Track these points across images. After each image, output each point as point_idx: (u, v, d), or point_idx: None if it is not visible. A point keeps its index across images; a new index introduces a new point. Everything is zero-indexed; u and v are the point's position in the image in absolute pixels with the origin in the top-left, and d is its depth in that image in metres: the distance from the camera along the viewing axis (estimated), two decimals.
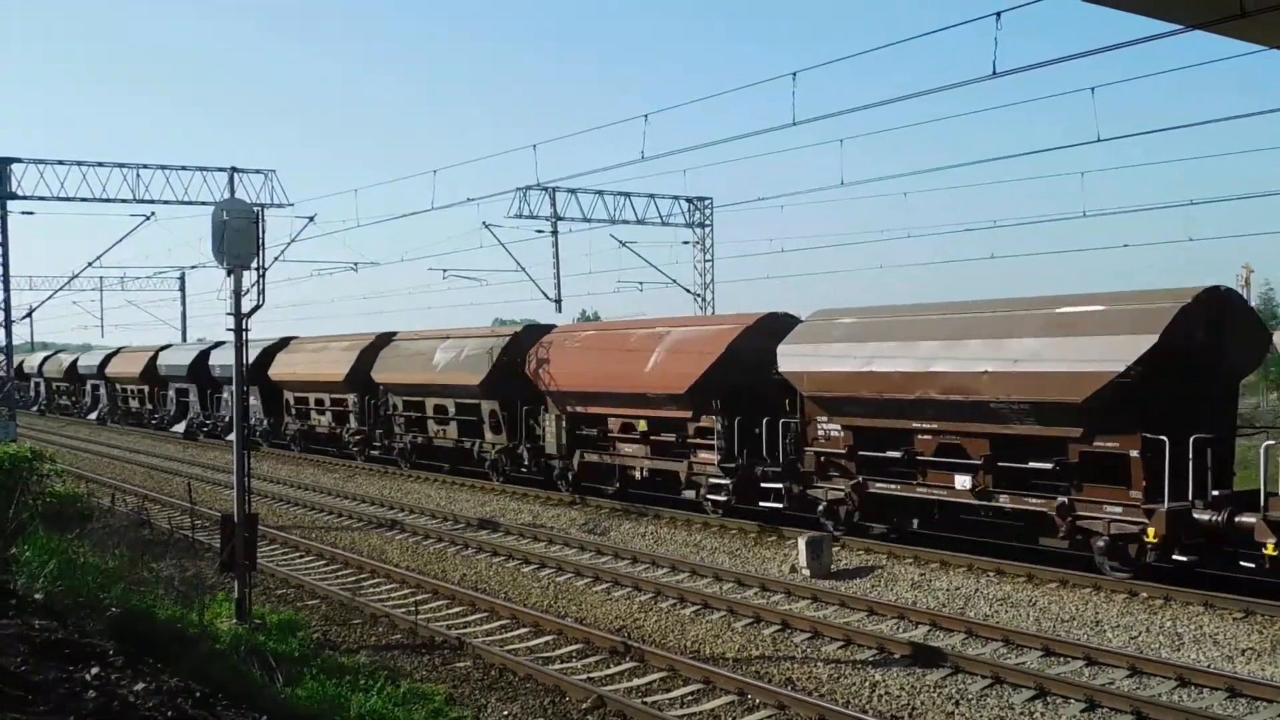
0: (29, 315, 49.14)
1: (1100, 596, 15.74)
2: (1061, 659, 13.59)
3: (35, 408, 74.20)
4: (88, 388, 65.13)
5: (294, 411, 40.61)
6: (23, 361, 76.49)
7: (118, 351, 60.59)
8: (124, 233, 38.35)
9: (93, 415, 62.49)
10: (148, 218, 37.85)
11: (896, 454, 19.02)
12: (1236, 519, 14.94)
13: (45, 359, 75.12)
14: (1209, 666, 13.01)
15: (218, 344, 46.94)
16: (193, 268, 66.68)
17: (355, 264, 43.12)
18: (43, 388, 75.42)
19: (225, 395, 45.45)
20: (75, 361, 67.04)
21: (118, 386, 58.96)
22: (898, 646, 14.15)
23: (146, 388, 54.66)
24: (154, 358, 52.93)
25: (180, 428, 48.97)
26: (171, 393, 51.45)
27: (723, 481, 22.39)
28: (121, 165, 37.09)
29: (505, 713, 12.55)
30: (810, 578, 18.23)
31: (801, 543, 18.71)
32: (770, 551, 20.15)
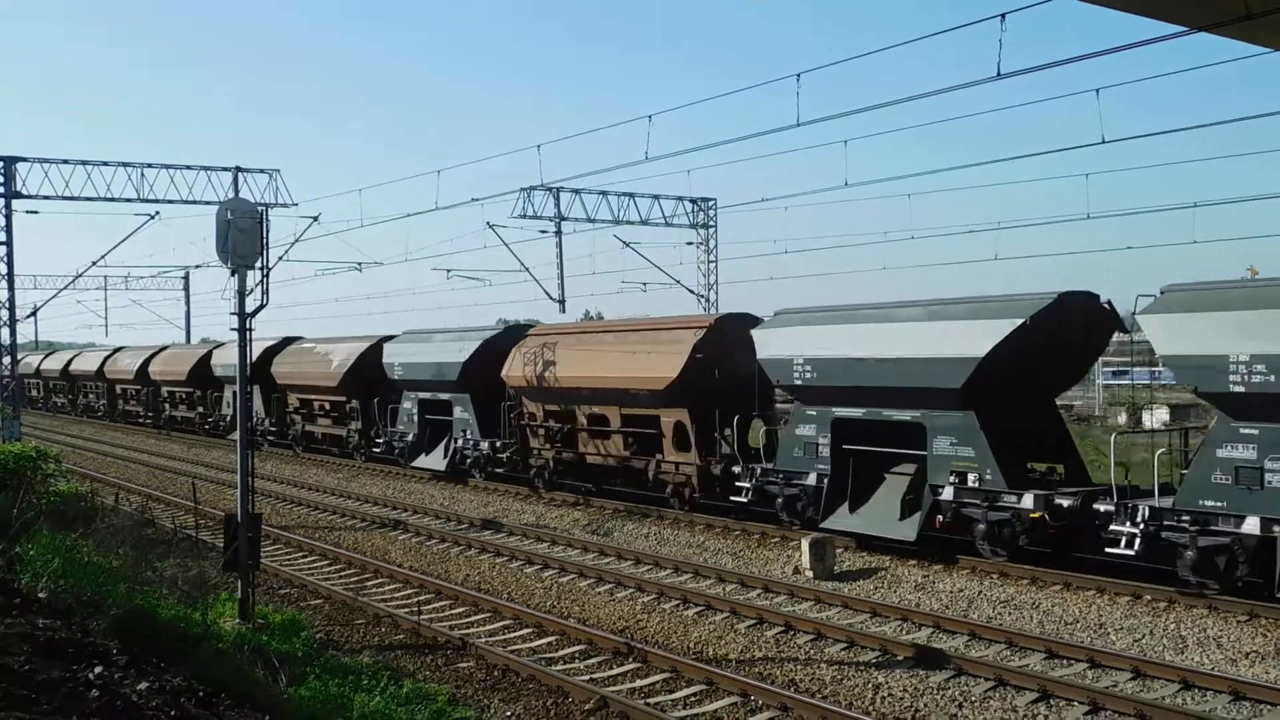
0: (33, 314, 49.17)
1: (1104, 599, 15.73)
2: (1065, 661, 13.57)
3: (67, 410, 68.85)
4: (114, 389, 60.21)
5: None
6: (42, 360, 74.24)
7: (161, 350, 54.91)
8: (128, 232, 38.48)
9: (89, 413, 59.98)
10: (152, 217, 37.84)
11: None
12: None
13: (74, 358, 69.07)
14: (1213, 669, 12.99)
15: (286, 340, 42.32)
16: (197, 267, 66.18)
17: (359, 264, 43.19)
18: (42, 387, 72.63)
19: (293, 400, 40.99)
20: (104, 361, 61.09)
21: (164, 390, 53.23)
22: (901, 648, 14.14)
23: (195, 390, 49.36)
24: (206, 358, 47.48)
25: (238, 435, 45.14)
26: (228, 395, 45.67)
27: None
28: (126, 164, 37.11)
29: (508, 713, 12.55)
30: (814, 579, 18.22)
31: (805, 544, 18.70)
32: (774, 553, 20.14)
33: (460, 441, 30.42)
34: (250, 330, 15.10)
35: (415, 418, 32.68)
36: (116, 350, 61.97)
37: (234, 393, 42.44)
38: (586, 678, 13.55)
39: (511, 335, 29.70)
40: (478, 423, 29.89)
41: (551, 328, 29.69)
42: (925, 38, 18.39)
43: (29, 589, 10.35)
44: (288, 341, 42.14)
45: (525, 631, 15.97)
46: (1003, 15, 13.30)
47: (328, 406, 38.77)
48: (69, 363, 68.39)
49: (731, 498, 22.16)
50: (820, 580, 18.14)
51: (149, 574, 15.62)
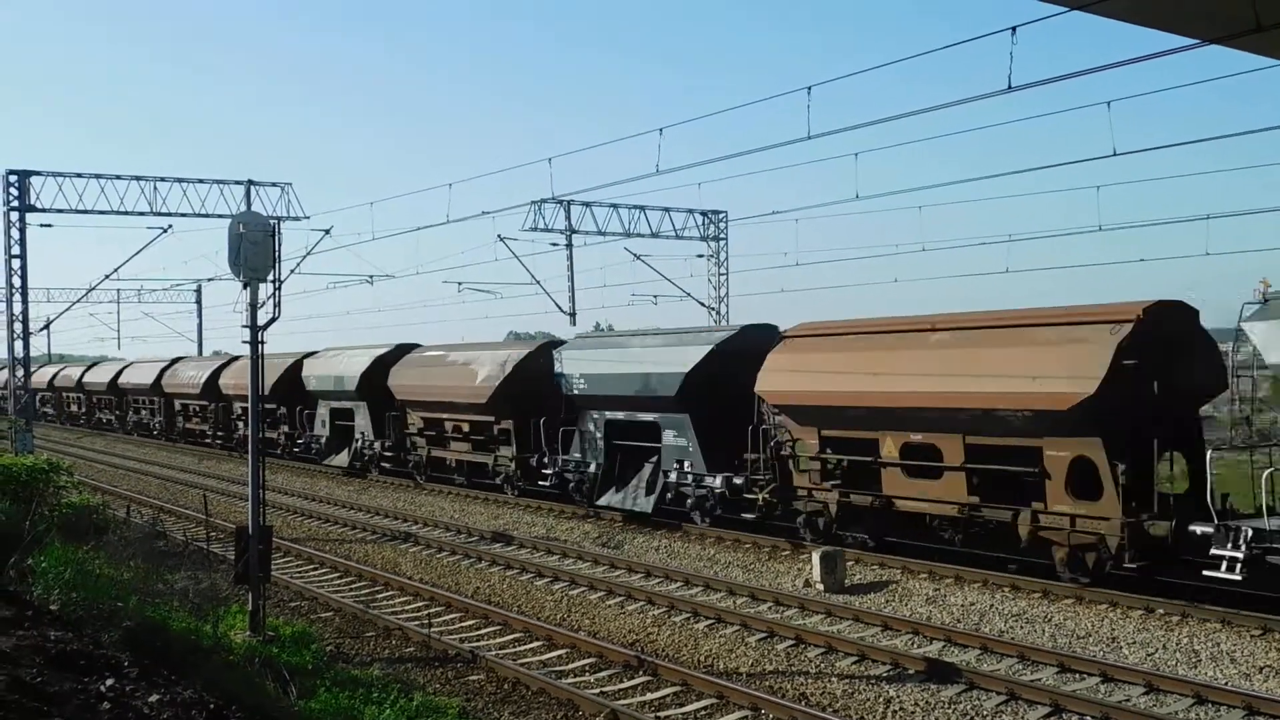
0: (46, 327, 49.38)
1: (1116, 613, 15.66)
2: (1077, 675, 13.51)
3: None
4: (155, 403, 54.48)
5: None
6: (86, 372, 67.86)
7: (231, 361, 48.16)
8: (141, 245, 38.60)
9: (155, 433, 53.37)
10: (165, 230, 38.09)
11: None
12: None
13: (124, 369, 61.76)
14: (1226, 684, 12.92)
15: (403, 347, 35.76)
16: (209, 280, 66.26)
17: (371, 277, 43.38)
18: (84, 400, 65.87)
19: (416, 420, 33.80)
20: (161, 373, 54.63)
21: (238, 406, 45.88)
22: (912, 662, 14.09)
23: (279, 407, 41.47)
24: (295, 369, 39.95)
25: (342, 459, 37.00)
26: (325, 413, 38.52)
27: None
28: (139, 178, 37.38)
29: None
30: (824, 592, 18.18)
31: (815, 557, 18.67)
32: (784, 566, 20.11)
33: (674, 476, 23.88)
34: (262, 343, 15.15)
35: (600, 443, 25.90)
36: (175, 361, 55.83)
37: (331, 409, 37.89)
38: (597, 691, 13.54)
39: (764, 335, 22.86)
40: (701, 451, 23.24)
41: (821, 326, 22.07)
42: (936, 50, 18.42)
43: (41, 601, 10.40)
44: (404, 349, 35.63)
45: (536, 644, 15.96)
46: (1013, 28, 13.34)
47: (466, 429, 31.52)
48: (118, 375, 61.48)
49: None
50: (831, 593, 18.10)
51: (160, 586, 15.66)
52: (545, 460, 27.32)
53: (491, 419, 29.85)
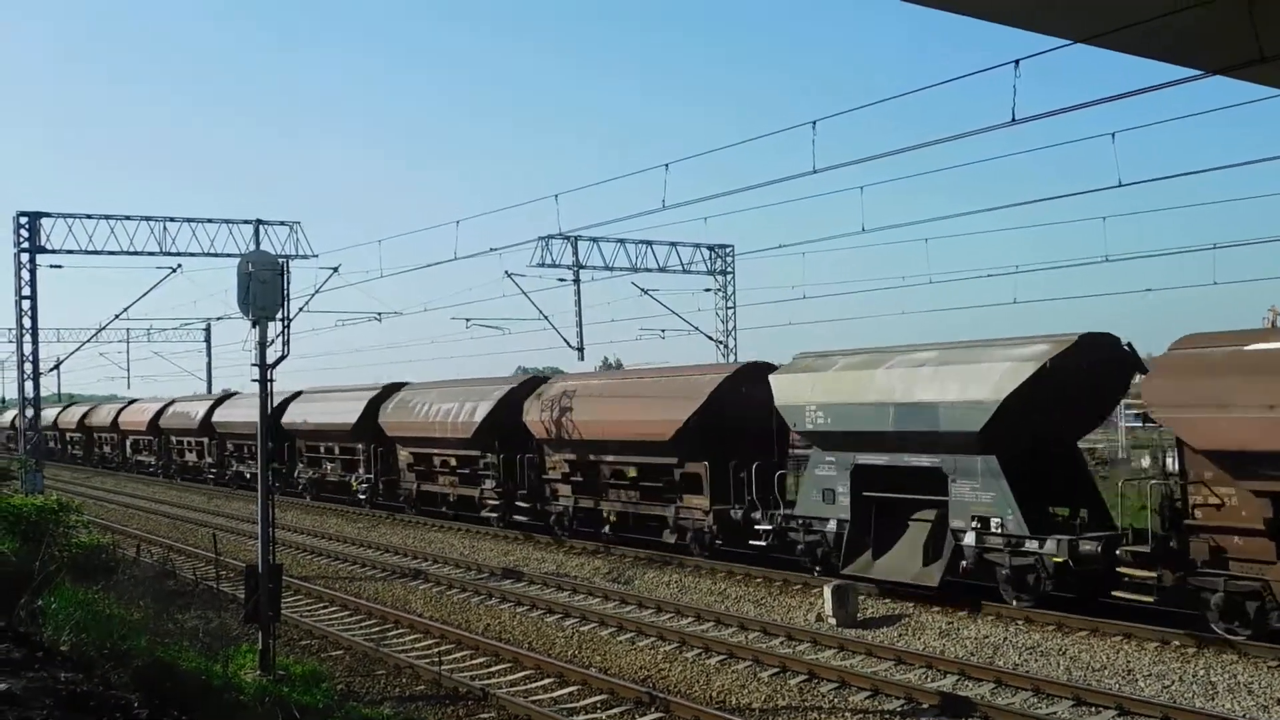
0: (56, 367, 49.48)
1: (1132, 645, 15.54)
2: (1093, 709, 13.39)
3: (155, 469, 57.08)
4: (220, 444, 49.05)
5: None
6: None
7: (296, 396, 43.27)
8: (150, 285, 38.67)
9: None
10: (174, 270, 38.24)
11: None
12: None
13: (166, 406, 56.82)
14: (1243, 716, 12.80)
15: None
16: (218, 319, 66.69)
17: (379, 314, 43.48)
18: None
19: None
20: (210, 410, 49.51)
21: (322, 445, 41.07)
22: (926, 696, 13.99)
23: (357, 444, 37.92)
24: (374, 404, 36.78)
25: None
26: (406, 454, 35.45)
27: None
28: (148, 218, 37.60)
29: None
30: (836, 626, 18.07)
31: (827, 591, 18.57)
32: (795, 600, 20.00)
33: (971, 538, 18.11)
34: (271, 381, 15.19)
35: (843, 495, 20.40)
36: (225, 398, 51.82)
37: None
38: None
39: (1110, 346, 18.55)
40: (1020, 510, 17.57)
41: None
42: (940, 84, 18.52)
43: (51, 642, 10.37)
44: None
45: (547, 681, 15.87)
46: (1016, 61, 13.41)
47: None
48: (159, 413, 56.22)
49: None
50: (843, 627, 17.98)
51: (170, 626, 15.64)
52: (756, 515, 22.13)
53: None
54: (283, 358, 15.30)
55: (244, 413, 44.17)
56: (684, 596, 21.27)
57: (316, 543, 31.33)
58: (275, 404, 38.75)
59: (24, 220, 36.68)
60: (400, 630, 19.68)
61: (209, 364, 78.63)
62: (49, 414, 69.14)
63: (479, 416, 30.61)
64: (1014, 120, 13.83)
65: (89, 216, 36.96)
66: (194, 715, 8.73)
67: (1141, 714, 13.03)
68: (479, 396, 31.35)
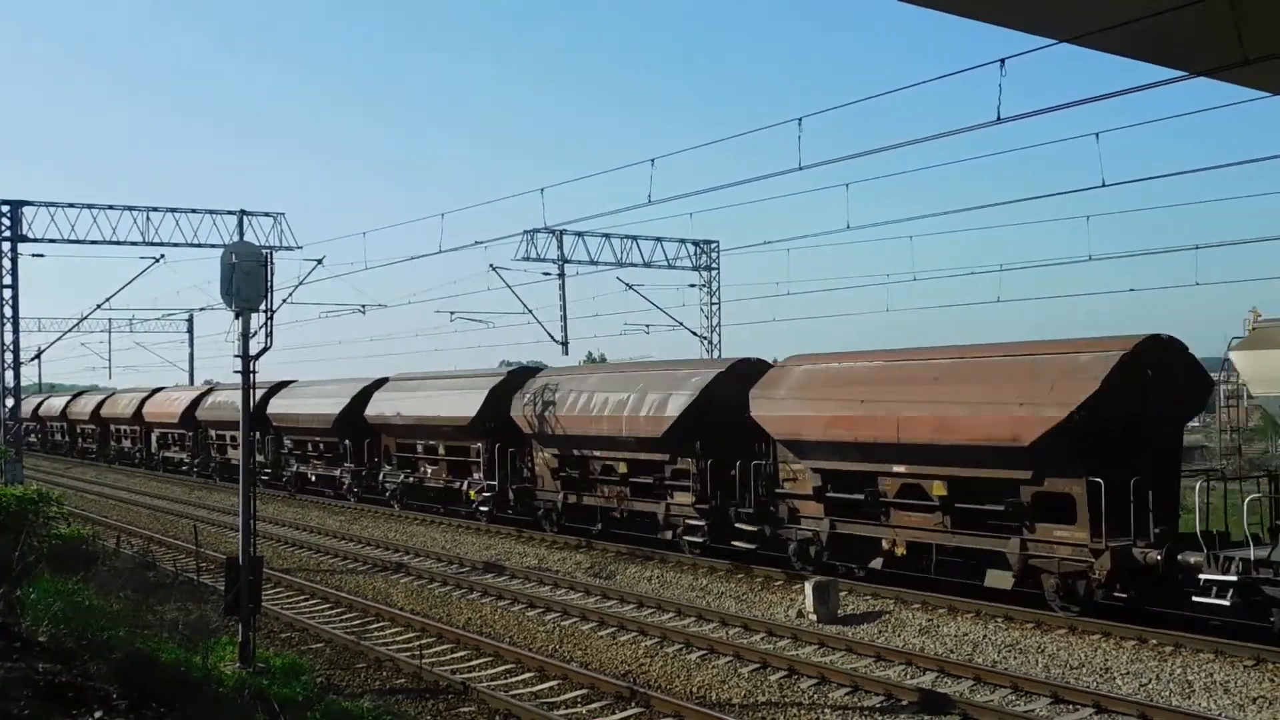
0: (37, 357, 49.23)
1: (1110, 643, 15.63)
2: (1071, 706, 13.46)
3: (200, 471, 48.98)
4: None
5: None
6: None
7: (381, 383, 36.98)
8: (133, 275, 38.52)
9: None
10: (157, 260, 38.07)
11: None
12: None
13: (204, 393, 50.52)
14: (1220, 715, 12.89)
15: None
16: (201, 310, 66.16)
17: (363, 306, 43.37)
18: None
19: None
20: (142, 403, 49.53)
21: (404, 444, 35.16)
22: (905, 693, 14.04)
23: (472, 442, 31.06)
24: (500, 392, 30.03)
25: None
26: (544, 457, 28.42)
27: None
28: (131, 208, 37.40)
29: None
30: (817, 623, 18.12)
31: (808, 587, 18.62)
32: (776, 596, 20.04)
33: None
34: (254, 372, 15.13)
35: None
36: (155, 391, 50.53)
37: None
38: None
39: None
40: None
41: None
42: (926, 82, 18.56)
43: (30, 633, 10.33)
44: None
45: (527, 675, 15.87)
46: (1002, 60, 13.43)
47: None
48: (197, 404, 49.46)
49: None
50: (824, 624, 18.04)
51: (150, 617, 15.58)
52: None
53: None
54: (266, 349, 15.24)
55: (313, 403, 39.55)
56: (665, 592, 21.30)
57: (298, 535, 31.24)
58: (356, 394, 36.67)
59: (5, 209, 36.45)
60: (381, 623, 19.64)
61: (191, 355, 78.26)
62: (30, 404, 68.65)
63: (673, 410, 23.93)
64: (999, 119, 13.87)
65: (71, 205, 36.78)
66: (173, 707, 8.70)
67: (1119, 712, 13.11)
68: (671, 385, 24.74)
